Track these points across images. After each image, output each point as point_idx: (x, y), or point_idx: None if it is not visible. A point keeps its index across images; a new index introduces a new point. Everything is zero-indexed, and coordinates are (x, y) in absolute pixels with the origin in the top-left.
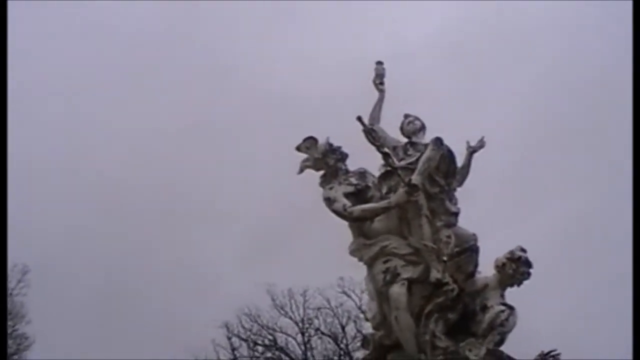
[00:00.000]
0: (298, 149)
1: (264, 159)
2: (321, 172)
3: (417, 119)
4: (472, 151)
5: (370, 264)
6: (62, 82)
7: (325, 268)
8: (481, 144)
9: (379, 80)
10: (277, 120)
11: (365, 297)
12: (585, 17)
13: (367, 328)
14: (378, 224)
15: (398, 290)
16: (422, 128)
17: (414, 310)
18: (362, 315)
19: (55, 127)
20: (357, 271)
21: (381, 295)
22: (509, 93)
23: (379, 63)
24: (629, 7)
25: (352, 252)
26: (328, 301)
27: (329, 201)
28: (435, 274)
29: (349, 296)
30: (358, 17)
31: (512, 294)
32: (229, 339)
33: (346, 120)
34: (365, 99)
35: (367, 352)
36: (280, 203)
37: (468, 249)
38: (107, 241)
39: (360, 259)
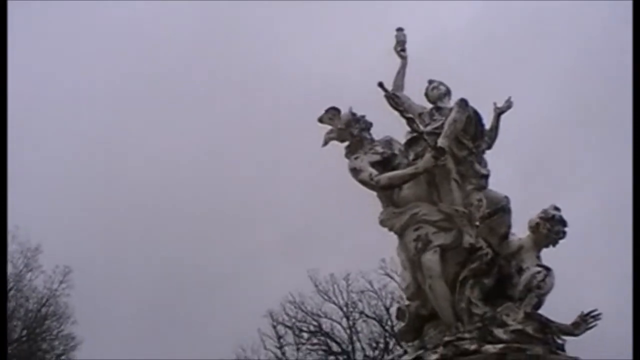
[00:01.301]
0: (321, 120)
1: (302, 154)
2: (346, 143)
3: (441, 84)
4: (499, 112)
5: (401, 233)
6: (83, 85)
7: (367, 251)
8: (508, 105)
9: (400, 47)
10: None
11: None
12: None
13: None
14: (407, 191)
15: (431, 258)
16: (448, 93)
17: (449, 278)
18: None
19: (90, 133)
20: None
21: (414, 264)
22: (539, 81)
23: (400, 30)
24: None
25: (382, 222)
26: (371, 284)
27: (355, 171)
28: (468, 239)
29: (391, 277)
30: (394, 9)
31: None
32: (274, 327)
33: (383, 115)
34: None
35: (403, 324)
36: (321, 194)
37: (500, 210)
38: (151, 239)
39: (391, 229)
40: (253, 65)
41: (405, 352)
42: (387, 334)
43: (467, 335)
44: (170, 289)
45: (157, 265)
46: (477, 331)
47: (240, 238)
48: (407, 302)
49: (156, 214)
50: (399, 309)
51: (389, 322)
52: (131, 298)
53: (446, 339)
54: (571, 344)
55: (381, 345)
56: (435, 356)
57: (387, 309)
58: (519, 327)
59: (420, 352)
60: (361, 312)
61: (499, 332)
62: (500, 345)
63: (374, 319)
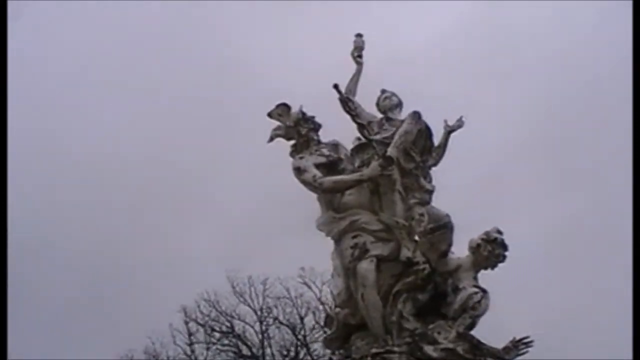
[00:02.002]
0: (270, 115)
1: (251, 155)
2: (292, 142)
3: (394, 94)
4: (449, 130)
5: (338, 238)
6: (57, 69)
7: (287, 257)
8: (459, 124)
9: (357, 52)
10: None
11: (326, 288)
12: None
13: None
14: (349, 197)
15: (366, 267)
16: (399, 104)
17: (382, 289)
18: (321, 307)
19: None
20: (319, 262)
21: (348, 272)
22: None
23: (359, 35)
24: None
25: (320, 226)
26: (288, 291)
27: (299, 171)
28: (405, 253)
29: (309, 287)
30: (359, 18)
31: None
32: (186, 323)
33: (340, 121)
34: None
35: (330, 331)
36: (261, 196)
37: (443, 226)
38: (67, 229)
39: (328, 233)
40: (205, 56)
41: None
42: (298, 343)
43: (396, 349)
44: (96, 281)
45: (73, 255)
46: (406, 346)
47: (167, 232)
48: (337, 310)
49: (79, 202)
50: (327, 316)
51: (302, 331)
52: (42, 288)
53: (374, 350)
54: None
55: (292, 354)
56: None
57: (302, 318)
58: (450, 346)
59: None
60: (275, 318)
61: (428, 349)
62: None
63: (288, 326)
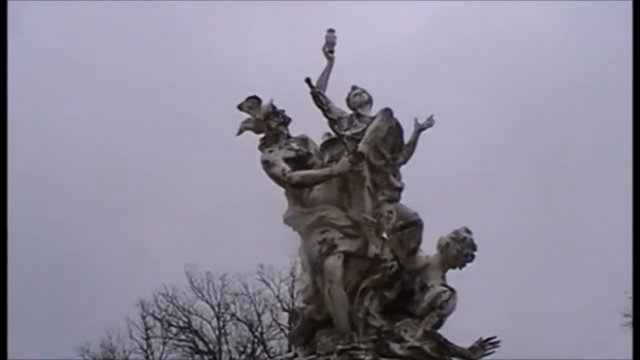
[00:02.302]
0: (240, 107)
1: (211, 151)
2: (261, 135)
3: (364, 91)
4: (420, 129)
5: (306, 233)
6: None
7: (247, 254)
8: (430, 122)
9: (329, 47)
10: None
11: (284, 286)
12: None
13: (284, 318)
14: (317, 192)
15: (333, 263)
16: (369, 101)
17: (349, 286)
18: (279, 305)
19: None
20: (277, 259)
21: (315, 267)
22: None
23: (331, 31)
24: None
25: (287, 220)
26: (246, 287)
27: (267, 164)
28: (373, 250)
29: (267, 284)
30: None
31: None
32: (144, 317)
33: (309, 120)
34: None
35: (295, 326)
36: (221, 192)
37: (412, 223)
38: (39, 218)
39: (296, 228)
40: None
41: (296, 355)
42: (255, 340)
43: (362, 345)
44: (54, 270)
45: (30, 247)
46: (373, 343)
47: (126, 226)
48: (302, 305)
49: (37, 195)
50: (292, 311)
51: (259, 328)
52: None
53: (340, 347)
54: None
55: (248, 350)
56: None
57: (259, 315)
58: (417, 344)
59: (312, 357)
60: (233, 315)
61: (395, 347)
62: None
63: (245, 322)
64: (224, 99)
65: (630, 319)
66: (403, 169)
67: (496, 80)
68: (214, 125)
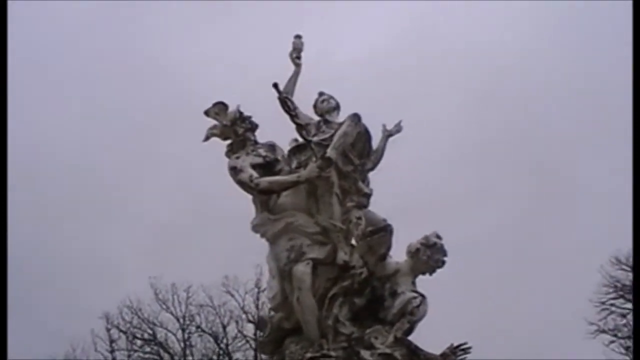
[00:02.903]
0: (207, 113)
1: (175, 162)
2: (228, 142)
3: (331, 97)
4: (388, 135)
5: (273, 240)
6: None
7: (211, 266)
8: (398, 129)
9: (295, 54)
10: (199, 125)
11: (249, 298)
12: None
13: (249, 330)
14: (285, 199)
15: (302, 270)
16: (337, 107)
17: (318, 293)
18: (244, 316)
19: None
20: (242, 271)
21: (283, 274)
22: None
23: (298, 37)
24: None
25: (255, 227)
26: (211, 299)
27: (235, 171)
28: (342, 256)
29: (232, 296)
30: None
31: None
32: (108, 330)
33: (270, 132)
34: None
35: (263, 334)
36: (185, 203)
37: (382, 229)
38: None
39: (263, 235)
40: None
41: None
42: (221, 352)
43: (332, 353)
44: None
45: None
46: (342, 350)
47: (90, 238)
48: (271, 313)
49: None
50: (261, 318)
51: (225, 340)
52: None
53: (309, 355)
54: None
55: None
56: None
57: (224, 327)
58: (387, 351)
59: None
60: (198, 327)
61: (365, 354)
62: None
63: (210, 334)
64: (189, 107)
65: (595, 328)
66: (376, 175)
67: (480, 87)
68: (178, 133)
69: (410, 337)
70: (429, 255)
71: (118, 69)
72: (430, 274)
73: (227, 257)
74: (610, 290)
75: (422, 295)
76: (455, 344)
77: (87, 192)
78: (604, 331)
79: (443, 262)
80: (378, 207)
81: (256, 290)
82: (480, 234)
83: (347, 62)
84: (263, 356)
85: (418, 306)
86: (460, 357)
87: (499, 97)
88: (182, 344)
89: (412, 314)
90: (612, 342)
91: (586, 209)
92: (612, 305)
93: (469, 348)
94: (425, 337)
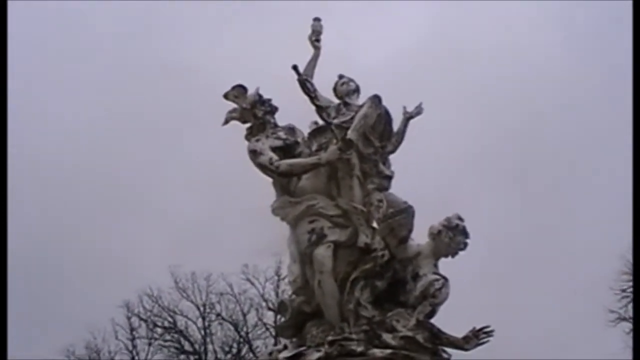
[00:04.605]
0: (226, 97)
1: (194, 152)
2: (247, 125)
3: (351, 80)
4: (408, 117)
5: (294, 223)
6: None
7: (231, 254)
8: (418, 111)
9: (315, 36)
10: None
11: (269, 285)
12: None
13: (269, 317)
14: (305, 182)
15: (323, 253)
16: (357, 90)
17: (339, 276)
18: (264, 304)
19: None
20: (262, 259)
21: (304, 258)
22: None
23: (317, 20)
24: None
25: (275, 210)
26: (231, 287)
27: (255, 154)
28: (363, 239)
29: (252, 284)
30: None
31: None
32: (129, 318)
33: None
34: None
35: (283, 318)
36: (205, 192)
37: (404, 210)
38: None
39: (284, 218)
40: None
41: (285, 348)
42: (241, 340)
43: (354, 336)
44: (40, 274)
45: (15, 248)
46: (364, 334)
47: (111, 227)
48: (292, 297)
49: (23, 196)
50: (281, 302)
51: (245, 328)
52: None
53: (331, 338)
54: None
55: (234, 350)
56: (318, 354)
57: (244, 315)
58: (409, 334)
59: (302, 349)
60: (218, 315)
61: (387, 337)
62: (388, 351)
63: (230, 322)
64: (207, 98)
65: (616, 315)
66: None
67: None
68: (199, 123)
69: (432, 320)
70: (451, 237)
71: (140, 68)
72: (453, 256)
73: (247, 245)
74: (631, 277)
75: (445, 278)
76: (478, 327)
77: (109, 183)
78: (624, 319)
79: (465, 245)
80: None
81: (276, 278)
82: (497, 221)
83: (370, 64)
84: (282, 340)
85: (440, 289)
86: (483, 340)
87: (515, 97)
88: (202, 332)
89: (434, 297)
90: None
91: (606, 196)
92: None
93: (492, 331)
94: (446, 320)
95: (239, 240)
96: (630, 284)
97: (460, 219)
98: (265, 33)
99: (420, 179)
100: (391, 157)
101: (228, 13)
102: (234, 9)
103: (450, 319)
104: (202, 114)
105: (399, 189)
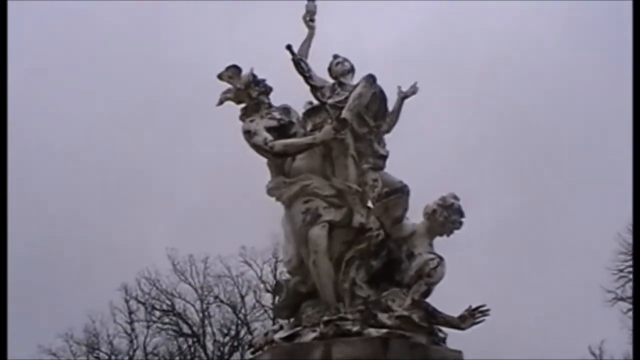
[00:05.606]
0: (220, 77)
1: (192, 137)
2: (242, 105)
3: (346, 60)
4: (403, 96)
5: (289, 203)
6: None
7: (228, 236)
8: (413, 90)
9: (309, 16)
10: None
11: (267, 267)
12: None
13: (267, 299)
14: (300, 162)
15: (318, 233)
16: (352, 70)
17: (334, 256)
18: (262, 286)
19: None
20: (259, 241)
21: (299, 238)
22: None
23: (311, 0)
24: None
25: (270, 191)
26: (229, 269)
27: (249, 134)
28: (358, 218)
29: (250, 266)
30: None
31: None
32: (127, 301)
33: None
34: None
35: (279, 299)
36: (202, 176)
37: (399, 190)
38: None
39: (279, 198)
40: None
41: (281, 328)
42: (239, 322)
43: (349, 316)
44: (45, 258)
45: (14, 233)
46: (360, 313)
47: (109, 211)
48: (287, 277)
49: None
50: (277, 283)
51: (243, 310)
52: None
53: (326, 318)
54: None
55: (232, 332)
56: (314, 334)
57: (242, 297)
58: (405, 313)
59: (298, 329)
60: (216, 297)
61: (383, 317)
62: (384, 330)
63: (228, 305)
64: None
65: (613, 295)
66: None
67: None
68: (201, 114)
69: (427, 299)
70: (446, 217)
71: (150, 60)
72: (448, 235)
73: (242, 226)
74: (628, 257)
75: (440, 257)
76: (474, 306)
77: (107, 168)
78: (621, 299)
79: (460, 223)
80: None
81: (274, 259)
82: (497, 204)
83: (371, 52)
84: (279, 320)
85: (435, 268)
86: (479, 319)
87: (512, 90)
88: (200, 315)
89: (429, 276)
90: (630, 309)
91: (602, 178)
92: (630, 272)
93: (487, 310)
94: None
95: (237, 221)
96: (627, 263)
97: (455, 197)
98: (272, 26)
99: (420, 163)
100: (394, 146)
101: (235, 7)
102: (242, 3)
103: (448, 302)
104: (206, 104)
105: (402, 175)
